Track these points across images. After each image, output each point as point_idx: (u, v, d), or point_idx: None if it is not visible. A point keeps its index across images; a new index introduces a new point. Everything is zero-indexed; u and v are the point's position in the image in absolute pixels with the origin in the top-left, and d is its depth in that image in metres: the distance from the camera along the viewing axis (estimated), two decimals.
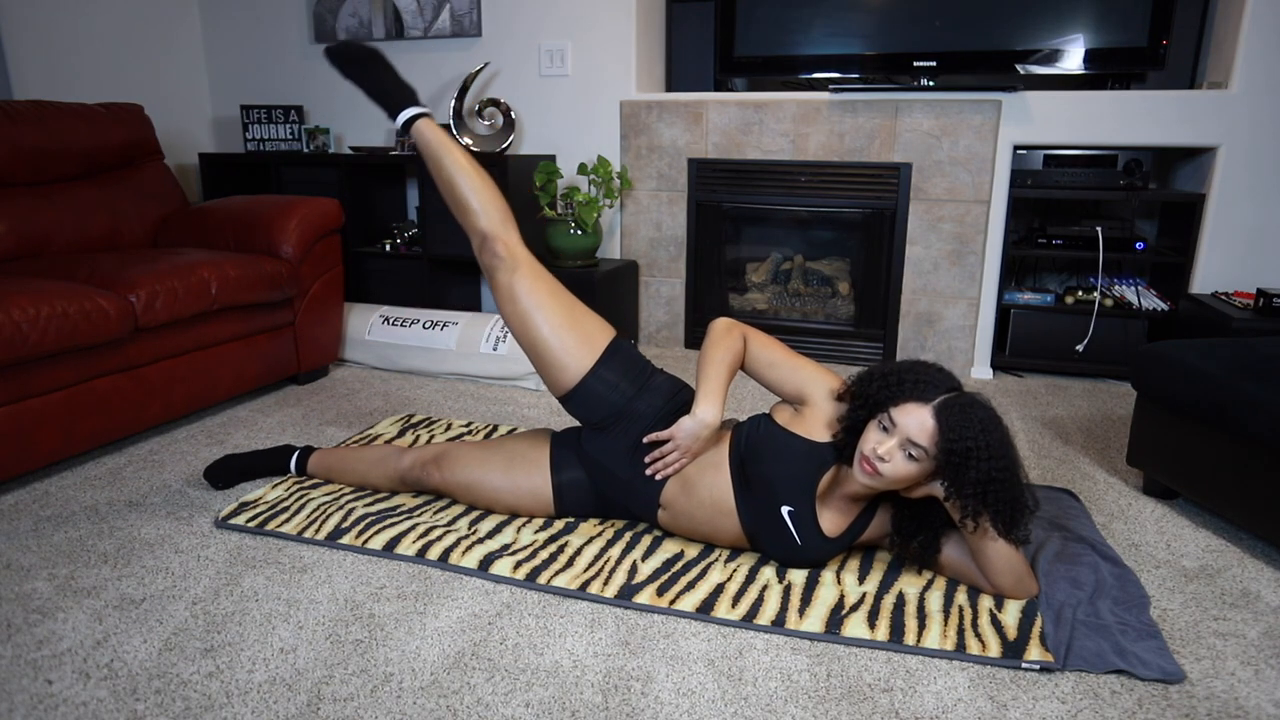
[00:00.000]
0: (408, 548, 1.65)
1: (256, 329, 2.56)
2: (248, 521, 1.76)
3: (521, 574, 1.56)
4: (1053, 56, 2.76)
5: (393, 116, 1.85)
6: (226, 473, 1.94)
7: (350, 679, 1.28)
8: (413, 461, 1.84)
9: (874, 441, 1.40)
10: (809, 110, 3.04)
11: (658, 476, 1.62)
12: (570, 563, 1.60)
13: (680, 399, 1.69)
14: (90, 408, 2.05)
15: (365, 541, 1.67)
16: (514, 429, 2.39)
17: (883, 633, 1.39)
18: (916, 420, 1.37)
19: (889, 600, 1.48)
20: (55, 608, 1.46)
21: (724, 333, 1.61)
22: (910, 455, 1.37)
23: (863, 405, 1.45)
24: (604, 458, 1.68)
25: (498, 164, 3.06)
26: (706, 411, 1.56)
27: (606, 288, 3.10)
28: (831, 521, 1.54)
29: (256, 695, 1.24)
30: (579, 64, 3.31)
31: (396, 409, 2.59)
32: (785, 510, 1.52)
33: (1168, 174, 3.12)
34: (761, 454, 1.54)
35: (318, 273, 2.77)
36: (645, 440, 1.63)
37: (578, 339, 1.65)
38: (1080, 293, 2.99)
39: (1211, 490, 1.77)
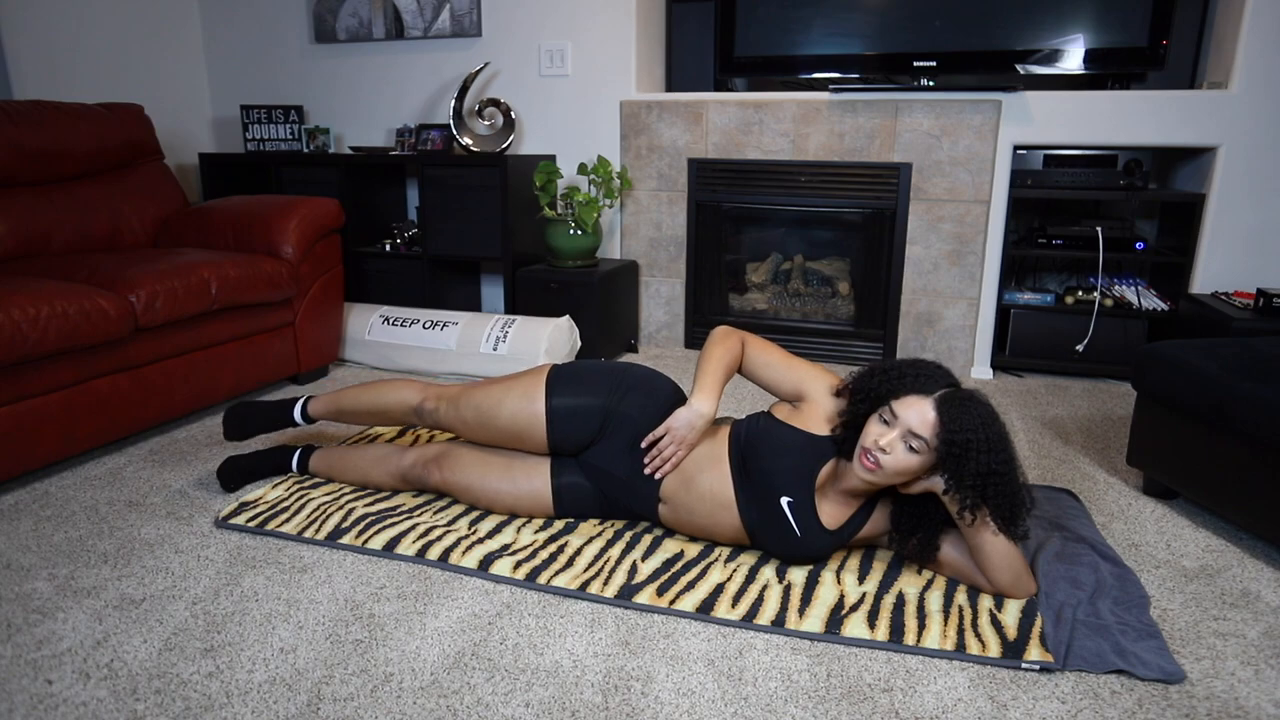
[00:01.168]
0: (408, 548, 1.65)
1: (256, 329, 2.56)
2: (248, 521, 1.76)
3: (521, 574, 1.56)
4: (1053, 56, 2.76)
5: (292, 422, 1.99)
6: (234, 474, 1.94)
7: (350, 679, 1.28)
8: (414, 460, 1.84)
9: (875, 434, 1.41)
10: (809, 110, 3.04)
11: (657, 475, 1.63)
12: (570, 563, 1.60)
13: (664, 390, 1.72)
14: (90, 408, 2.05)
15: (365, 541, 1.67)
16: None
17: (883, 633, 1.39)
18: (917, 412, 1.38)
19: (889, 600, 1.48)
20: (55, 608, 1.46)
21: (723, 336, 1.65)
22: (911, 447, 1.38)
23: (863, 400, 1.47)
24: (601, 461, 1.69)
25: (498, 164, 3.06)
26: (701, 403, 1.59)
27: (606, 288, 3.10)
28: (830, 514, 1.54)
29: (256, 695, 1.24)
30: (579, 64, 3.31)
31: None
32: (785, 501, 1.52)
33: (1168, 174, 3.12)
34: (761, 447, 1.55)
35: (318, 273, 2.77)
36: (643, 444, 1.64)
37: (520, 395, 1.71)
38: (1080, 293, 2.99)
39: (1211, 490, 1.77)
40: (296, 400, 2.00)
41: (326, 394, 1.99)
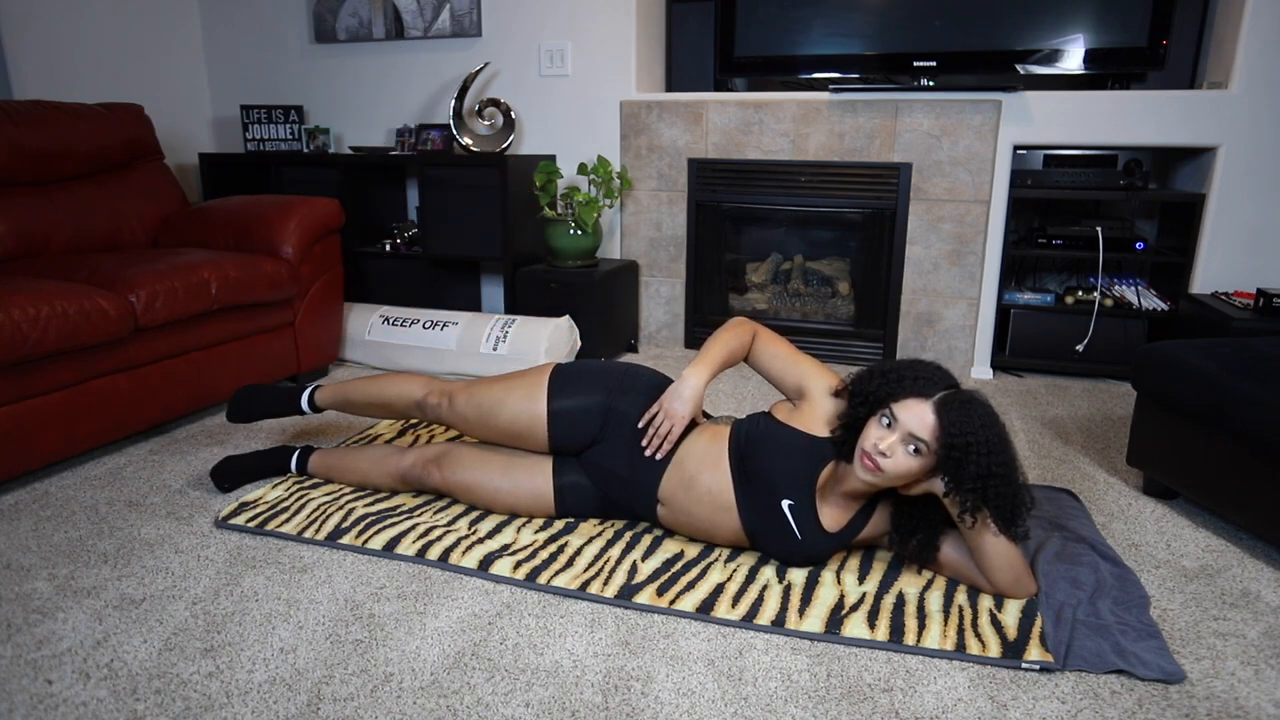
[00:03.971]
0: (408, 548, 1.65)
1: (256, 329, 2.56)
2: (248, 521, 1.76)
3: (521, 574, 1.56)
4: (1053, 56, 2.76)
5: (299, 410, 2.00)
6: (231, 474, 1.94)
7: (350, 679, 1.28)
8: (414, 460, 1.84)
9: (875, 437, 1.40)
10: (809, 110, 3.04)
11: (658, 455, 1.62)
12: (570, 563, 1.60)
13: (664, 387, 1.72)
14: (90, 408, 2.05)
15: (365, 541, 1.67)
16: None
17: (883, 633, 1.39)
18: (917, 415, 1.38)
19: (889, 600, 1.48)
20: (55, 608, 1.46)
21: (737, 324, 1.67)
22: (915, 450, 1.38)
23: (863, 402, 1.46)
24: (603, 460, 1.69)
25: (498, 164, 3.06)
26: (691, 374, 1.61)
27: (606, 288, 3.10)
28: (831, 517, 1.54)
29: (256, 695, 1.24)
30: (579, 64, 3.31)
31: None
32: (785, 504, 1.52)
33: (1168, 174, 3.12)
34: (761, 449, 1.55)
35: (318, 273, 2.77)
36: (640, 424, 1.65)
37: (522, 395, 1.71)
38: (1080, 293, 2.99)
39: (1211, 490, 1.77)
40: (304, 388, 2.00)
41: (334, 384, 1.99)
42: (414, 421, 2.42)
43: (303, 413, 2.00)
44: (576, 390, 1.70)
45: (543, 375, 1.74)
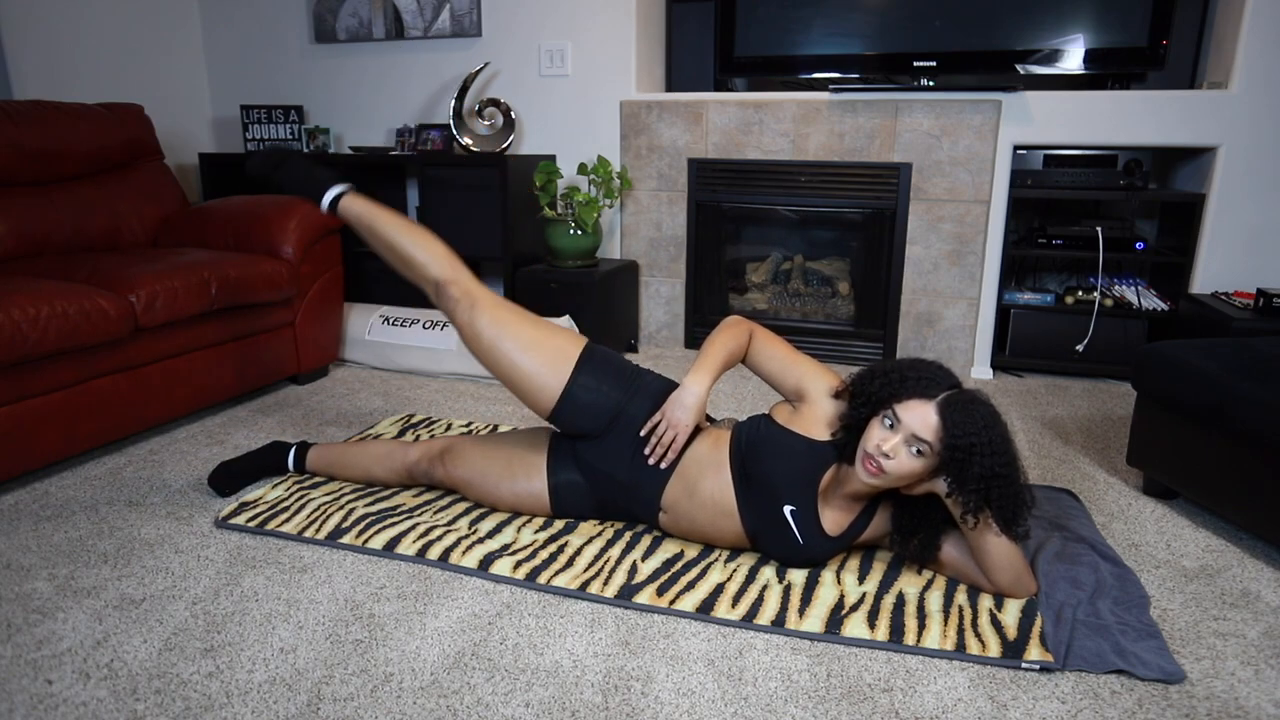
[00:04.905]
0: (408, 547, 1.65)
1: (256, 329, 2.56)
2: (248, 521, 1.76)
3: (521, 574, 1.56)
4: (1053, 56, 2.76)
5: (318, 202, 1.87)
6: (229, 479, 1.93)
7: (350, 679, 1.28)
8: (419, 455, 1.84)
9: (878, 438, 1.40)
10: (809, 110, 3.04)
11: (663, 464, 1.62)
12: (570, 563, 1.60)
13: (669, 392, 1.69)
14: (90, 408, 2.05)
15: (365, 541, 1.67)
16: (515, 428, 2.39)
17: (883, 633, 1.39)
18: (920, 416, 1.37)
19: (889, 600, 1.48)
20: (55, 608, 1.46)
21: (732, 324, 1.64)
22: (918, 451, 1.37)
23: (864, 403, 1.45)
24: (603, 463, 1.68)
25: (498, 164, 3.06)
26: (693, 382, 1.58)
27: (606, 288, 3.10)
28: (833, 520, 1.54)
29: (256, 695, 1.24)
30: (579, 64, 3.31)
31: (396, 409, 2.59)
32: (788, 510, 1.52)
33: (1168, 174, 3.12)
34: (762, 453, 1.54)
35: (317, 273, 2.77)
36: (641, 434, 1.63)
37: (549, 355, 1.65)
38: (1080, 293, 2.99)
39: (1211, 490, 1.77)
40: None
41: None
42: (414, 420, 2.42)
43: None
44: (601, 379, 1.66)
45: (574, 346, 1.68)
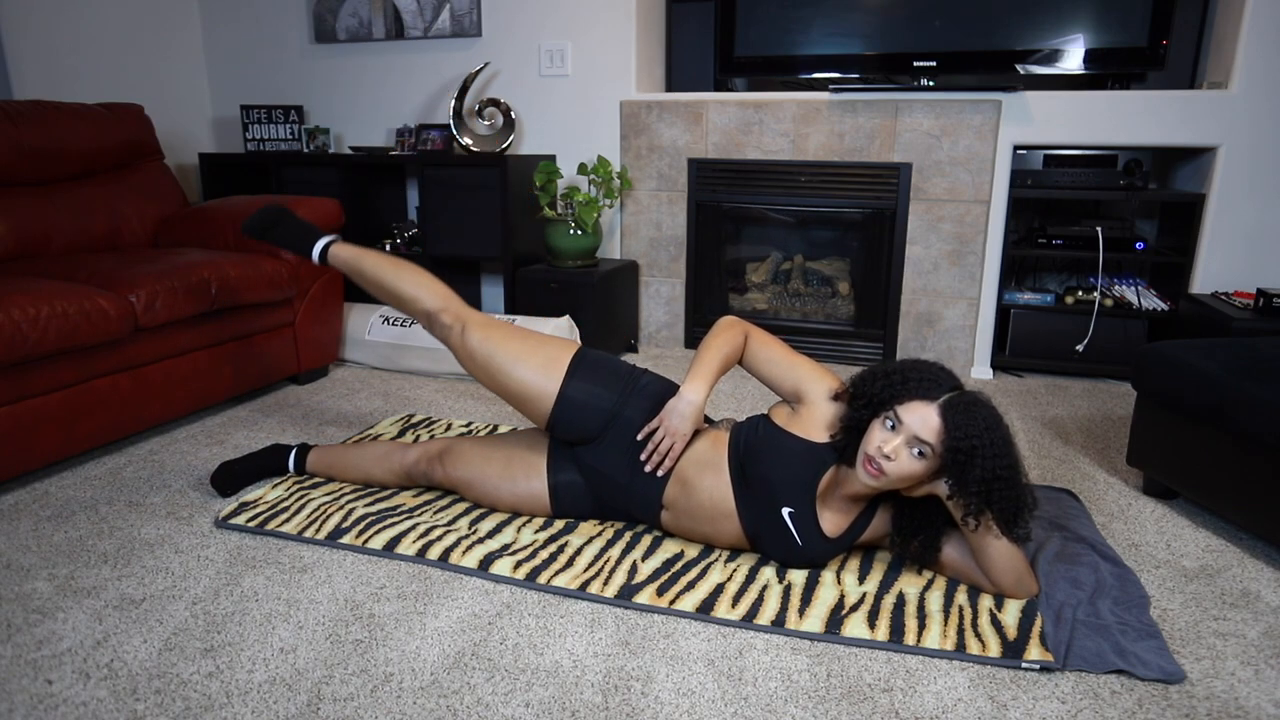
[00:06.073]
0: (408, 547, 1.65)
1: (256, 329, 2.56)
2: (248, 521, 1.76)
3: (521, 574, 1.56)
4: (1053, 56, 2.76)
5: (309, 253, 1.95)
6: (230, 479, 1.93)
7: (350, 679, 1.28)
8: (418, 456, 1.84)
9: (879, 440, 1.39)
10: (809, 110, 3.04)
11: (659, 472, 1.62)
12: (570, 563, 1.60)
13: (668, 395, 1.69)
14: (90, 408, 2.05)
15: (365, 541, 1.67)
16: (514, 429, 2.39)
17: (883, 633, 1.39)
18: (922, 417, 1.37)
19: (889, 600, 1.48)
20: (55, 608, 1.46)
21: (727, 326, 1.63)
22: (919, 453, 1.37)
23: (865, 405, 1.45)
24: (603, 465, 1.68)
25: (498, 164, 3.06)
26: (691, 391, 1.57)
27: (606, 288, 3.10)
28: (832, 522, 1.54)
29: (256, 695, 1.24)
30: (579, 64, 3.31)
31: (396, 409, 2.59)
32: (786, 512, 1.52)
33: (1168, 174, 3.12)
34: (761, 455, 1.54)
35: (318, 273, 2.77)
36: (639, 438, 1.63)
37: (541, 363, 1.67)
38: (1080, 293, 2.99)
39: (1211, 490, 1.77)
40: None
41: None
42: (414, 420, 2.42)
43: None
44: (594, 382, 1.66)
45: (565, 352, 1.69)
